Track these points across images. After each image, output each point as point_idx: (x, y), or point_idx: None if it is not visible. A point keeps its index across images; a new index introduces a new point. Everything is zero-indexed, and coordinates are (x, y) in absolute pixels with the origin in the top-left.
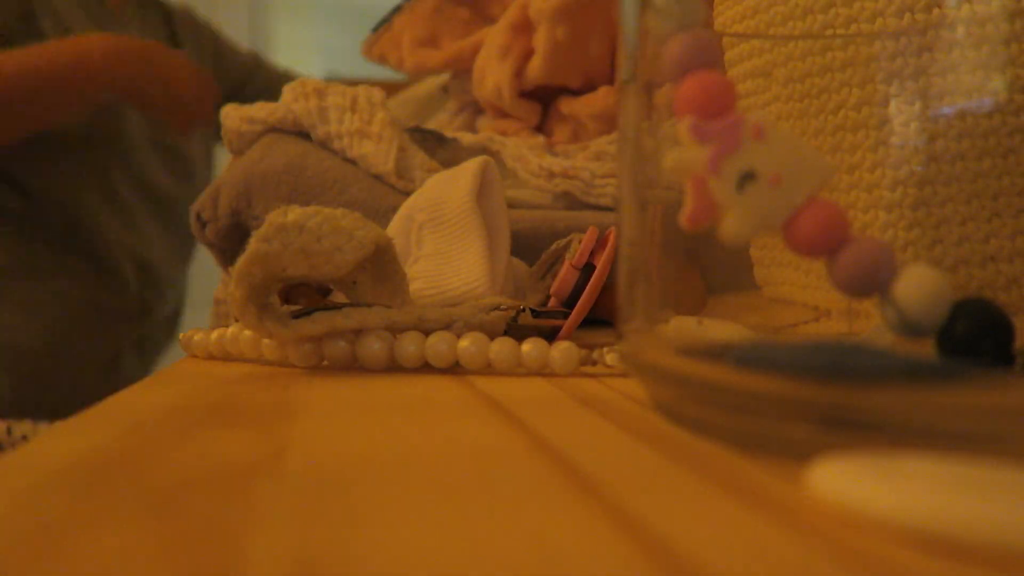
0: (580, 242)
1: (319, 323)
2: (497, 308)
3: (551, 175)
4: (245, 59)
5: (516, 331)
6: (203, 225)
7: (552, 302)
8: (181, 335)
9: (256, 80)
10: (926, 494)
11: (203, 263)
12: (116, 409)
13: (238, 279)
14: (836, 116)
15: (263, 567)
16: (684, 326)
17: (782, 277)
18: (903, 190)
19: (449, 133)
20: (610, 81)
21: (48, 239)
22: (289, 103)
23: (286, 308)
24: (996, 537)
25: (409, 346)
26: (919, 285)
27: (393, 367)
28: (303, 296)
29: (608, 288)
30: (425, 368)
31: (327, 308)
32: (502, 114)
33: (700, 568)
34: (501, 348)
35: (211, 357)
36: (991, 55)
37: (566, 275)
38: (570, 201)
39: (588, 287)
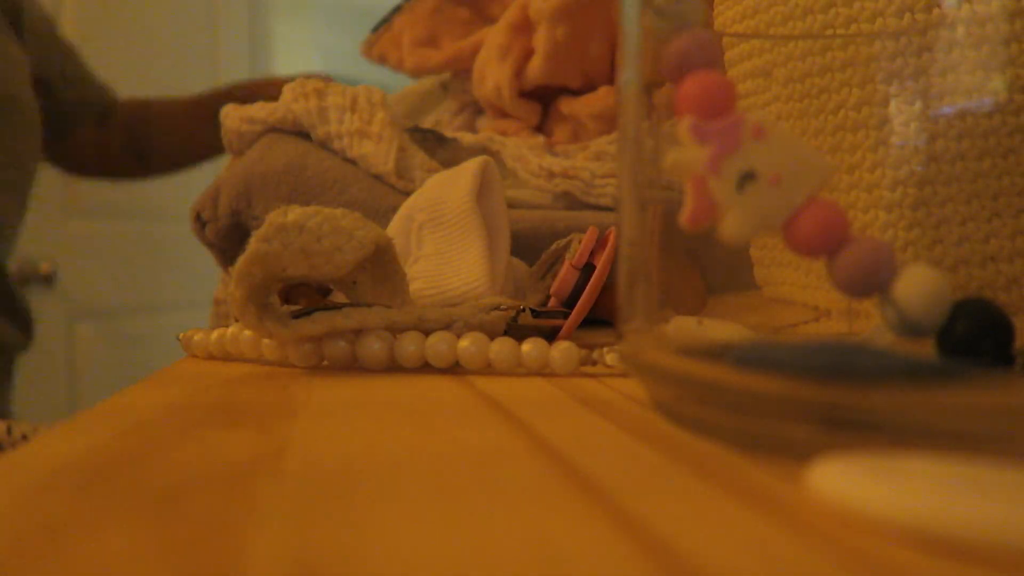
0: (580, 242)
1: (319, 323)
2: (497, 308)
3: (551, 175)
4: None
5: (516, 331)
6: (203, 225)
7: (552, 302)
8: (181, 335)
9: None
10: (926, 494)
11: (203, 263)
12: (116, 409)
13: (238, 279)
14: (836, 116)
15: (263, 567)
16: (684, 326)
17: (782, 277)
18: (903, 190)
19: (449, 133)
20: (610, 81)
21: None
22: (289, 103)
23: (286, 308)
24: (996, 537)
25: (409, 346)
26: (919, 285)
27: (393, 367)
28: (303, 296)
29: (608, 288)
30: (425, 368)
31: (327, 308)
32: (502, 114)
33: (700, 568)
34: (501, 348)
35: (211, 357)
36: (991, 55)
37: (566, 275)
38: (570, 201)
39: (588, 287)
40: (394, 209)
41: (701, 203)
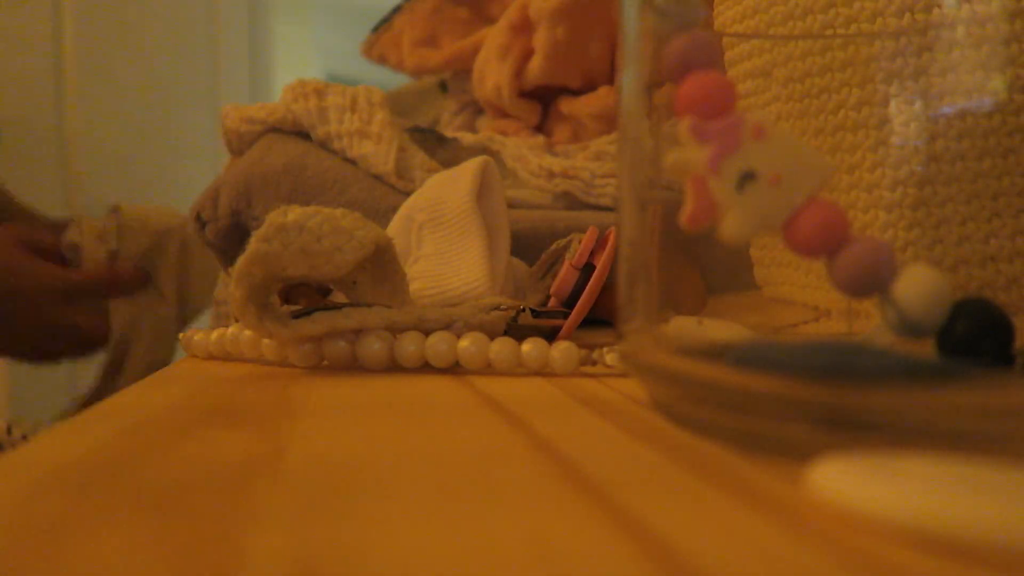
0: (580, 242)
1: (319, 323)
2: (497, 308)
3: (551, 175)
4: None
5: (516, 331)
6: (203, 225)
7: (552, 302)
8: (181, 335)
9: None
10: (926, 494)
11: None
12: (116, 409)
13: (238, 279)
14: (836, 116)
15: (263, 567)
16: (684, 326)
17: (782, 277)
18: (903, 190)
19: (449, 133)
20: (610, 81)
21: None
22: (289, 103)
23: (286, 308)
24: (996, 537)
25: (409, 346)
26: (919, 285)
27: (393, 367)
28: (303, 296)
29: (608, 288)
30: (425, 368)
31: (327, 308)
32: (502, 114)
33: (700, 568)
34: (501, 348)
35: (211, 357)
36: (991, 55)
37: (566, 275)
38: (570, 201)
39: (588, 287)
40: (394, 209)
41: (701, 203)
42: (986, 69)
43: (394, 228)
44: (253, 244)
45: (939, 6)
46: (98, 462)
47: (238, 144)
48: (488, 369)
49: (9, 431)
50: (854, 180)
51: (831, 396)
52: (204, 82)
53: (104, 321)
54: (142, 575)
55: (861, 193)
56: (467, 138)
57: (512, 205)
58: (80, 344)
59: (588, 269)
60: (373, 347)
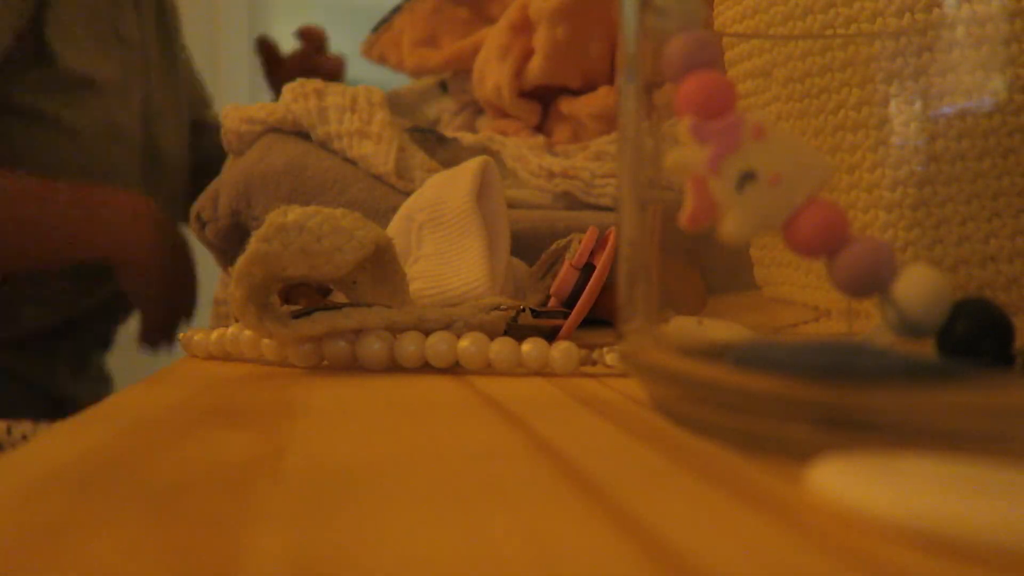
0: (580, 242)
1: (319, 323)
2: (497, 308)
3: (551, 175)
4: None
5: (516, 331)
6: (203, 225)
7: (552, 302)
8: (181, 335)
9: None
10: (926, 494)
11: (203, 263)
12: (116, 409)
13: (238, 279)
14: (836, 116)
15: (262, 567)
16: (684, 326)
17: (782, 277)
18: (903, 190)
19: (449, 133)
20: (610, 81)
21: None
22: (289, 103)
23: (286, 308)
24: (996, 537)
25: (409, 346)
26: (919, 285)
27: (393, 367)
28: (303, 296)
29: (608, 288)
30: (425, 368)
31: (327, 308)
32: (502, 114)
33: (700, 568)
34: (501, 348)
35: (211, 357)
36: (991, 55)
37: (566, 275)
38: (570, 201)
39: (588, 287)
40: (394, 209)
41: (701, 203)
42: (986, 69)
43: (394, 228)
44: (253, 244)
45: (939, 6)
46: (98, 462)
47: (238, 144)
48: (488, 369)
49: (9, 431)
50: (854, 180)
51: (831, 396)
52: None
53: None
54: (142, 575)
55: (861, 193)
56: (467, 138)
57: (512, 205)
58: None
59: (588, 269)
60: (373, 347)
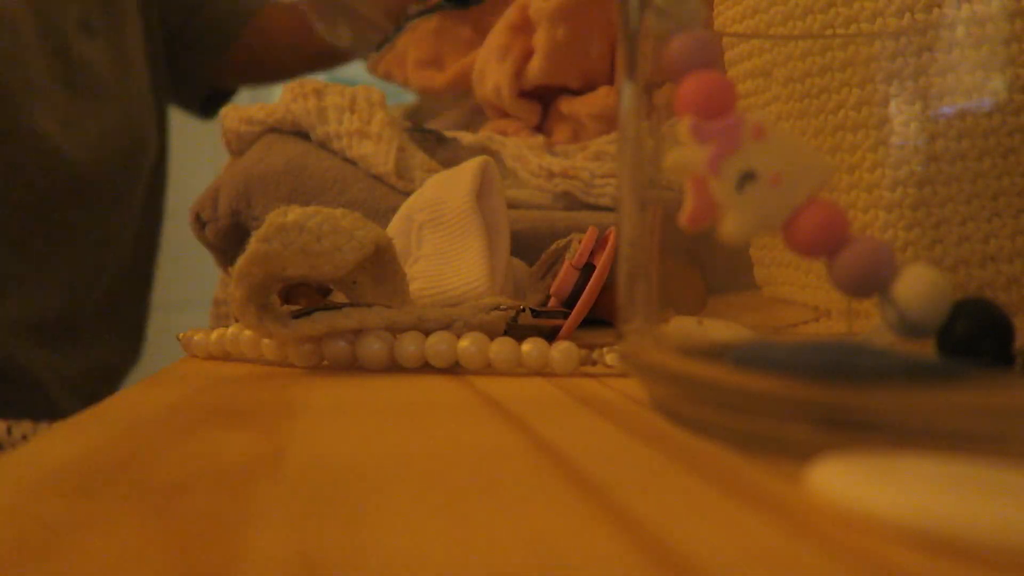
0: (580, 242)
1: (319, 323)
2: (497, 308)
3: (551, 175)
4: None
5: (516, 331)
6: (203, 225)
7: (552, 302)
8: (181, 335)
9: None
10: (926, 494)
11: (203, 263)
12: (116, 409)
13: (238, 279)
14: (836, 116)
15: (263, 567)
16: (684, 326)
17: (782, 277)
18: (903, 190)
19: (449, 133)
20: (610, 81)
21: None
22: (288, 103)
23: (286, 308)
24: (996, 537)
25: (409, 346)
26: (919, 285)
27: (393, 367)
28: (303, 296)
29: (608, 288)
30: (425, 368)
31: (327, 308)
32: (502, 114)
33: (700, 568)
34: (501, 348)
35: (211, 357)
36: (991, 55)
37: (566, 275)
38: (570, 201)
39: (588, 287)
40: (394, 209)
41: (701, 203)
42: (986, 69)
43: (394, 228)
44: (253, 244)
45: (939, 6)
46: (98, 462)
47: (238, 144)
48: (488, 369)
49: (9, 431)
50: (854, 180)
51: (831, 396)
52: None
53: None
54: (142, 574)
55: (861, 193)
56: (467, 138)
57: (512, 205)
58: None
59: (588, 269)
60: (373, 347)
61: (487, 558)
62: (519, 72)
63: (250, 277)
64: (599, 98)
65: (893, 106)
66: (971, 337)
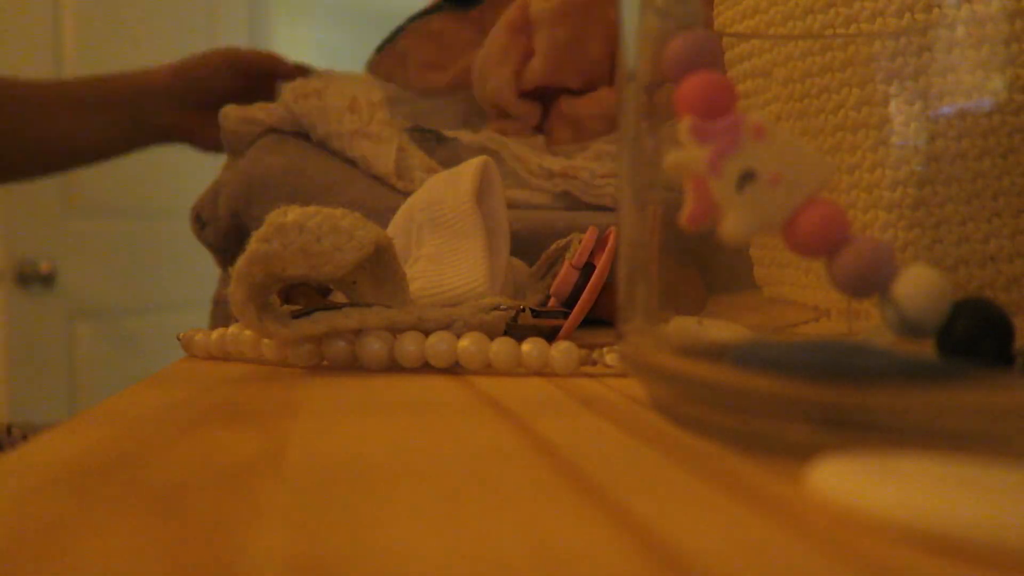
0: (580, 242)
1: (319, 323)
2: (497, 308)
3: (551, 175)
4: None
5: (516, 331)
6: (203, 225)
7: (552, 302)
8: (181, 335)
9: None
10: (926, 494)
11: (203, 263)
12: (116, 409)
13: (238, 279)
14: (836, 116)
15: (263, 566)
16: (684, 326)
17: (782, 277)
18: (903, 190)
19: (449, 132)
20: (610, 82)
21: None
22: (288, 103)
23: (286, 308)
24: (996, 537)
25: (409, 346)
26: (919, 285)
27: (393, 367)
28: (303, 296)
29: (608, 288)
30: (425, 368)
31: (327, 308)
32: (502, 114)
33: (700, 568)
34: (501, 348)
35: (211, 357)
36: (991, 55)
37: (566, 275)
38: (570, 201)
39: (588, 287)
40: (394, 209)
41: (701, 203)
42: (986, 69)
43: (394, 228)
44: (253, 244)
45: (939, 6)
46: (98, 462)
47: (238, 144)
48: (488, 369)
49: (9, 431)
50: (854, 180)
51: (831, 396)
52: None
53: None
54: (142, 574)
55: (861, 193)
56: (467, 138)
57: (512, 205)
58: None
59: (588, 269)
60: (373, 347)
61: (487, 557)
62: (519, 73)
63: (250, 277)
64: (599, 99)
65: (893, 106)
66: (971, 337)
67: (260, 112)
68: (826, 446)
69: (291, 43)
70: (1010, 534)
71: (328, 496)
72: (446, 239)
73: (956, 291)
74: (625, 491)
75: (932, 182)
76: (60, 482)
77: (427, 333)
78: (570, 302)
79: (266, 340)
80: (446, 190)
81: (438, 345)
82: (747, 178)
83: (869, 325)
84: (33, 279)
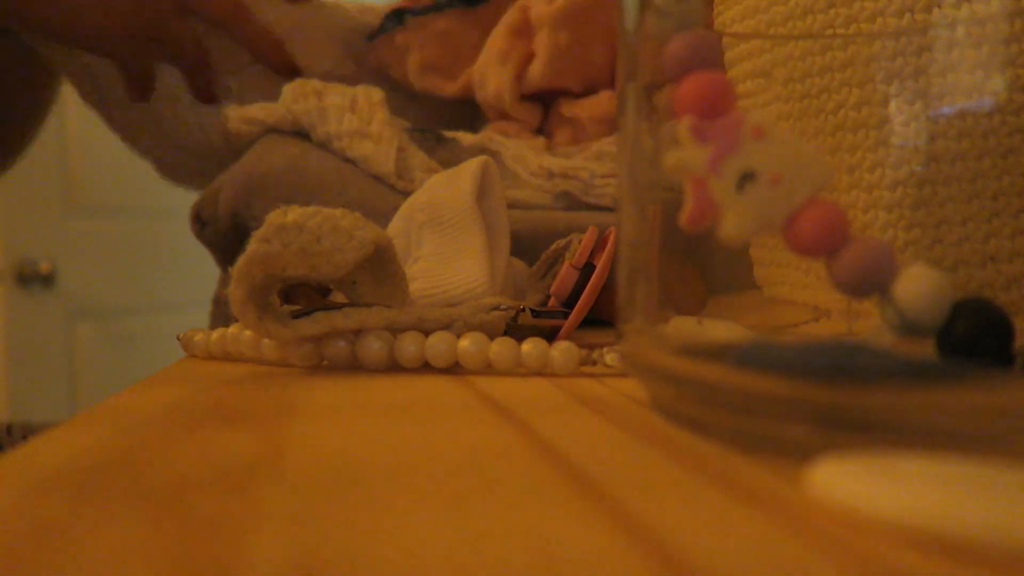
0: (580, 242)
1: (319, 323)
2: (497, 308)
3: (551, 175)
4: None
5: (516, 331)
6: (203, 225)
7: (552, 302)
8: (181, 335)
9: None
10: (926, 494)
11: (203, 263)
12: (116, 409)
13: (238, 279)
14: (836, 116)
15: (263, 567)
16: (684, 326)
17: (782, 277)
18: (903, 190)
19: (449, 132)
20: (611, 85)
21: None
22: (288, 103)
23: (286, 308)
24: (996, 537)
25: (409, 346)
26: (919, 285)
27: (393, 367)
28: (303, 296)
29: (608, 288)
30: (425, 368)
31: (327, 308)
32: (503, 116)
33: (700, 568)
34: (501, 348)
35: (211, 357)
36: (991, 55)
37: (566, 275)
38: (570, 201)
39: (588, 287)
40: (394, 209)
41: (701, 203)
42: (986, 69)
43: (394, 228)
44: (253, 244)
45: (939, 6)
46: (98, 462)
47: (237, 144)
48: (488, 369)
49: (9, 431)
50: (854, 180)
51: (831, 396)
52: None
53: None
54: (142, 574)
55: (861, 193)
56: (467, 138)
57: (512, 205)
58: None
59: (588, 269)
60: (373, 347)
61: (487, 558)
62: (520, 76)
63: (250, 277)
64: (600, 101)
65: (893, 106)
66: (971, 337)
67: (260, 112)
68: (826, 446)
69: None
70: (1010, 534)
71: (328, 496)
72: (446, 239)
73: (956, 291)
74: (625, 491)
75: (932, 182)
76: (60, 482)
77: (427, 333)
78: (570, 302)
79: (266, 340)
80: (446, 190)
81: (438, 345)
82: (747, 178)
83: (869, 325)
84: (33, 279)
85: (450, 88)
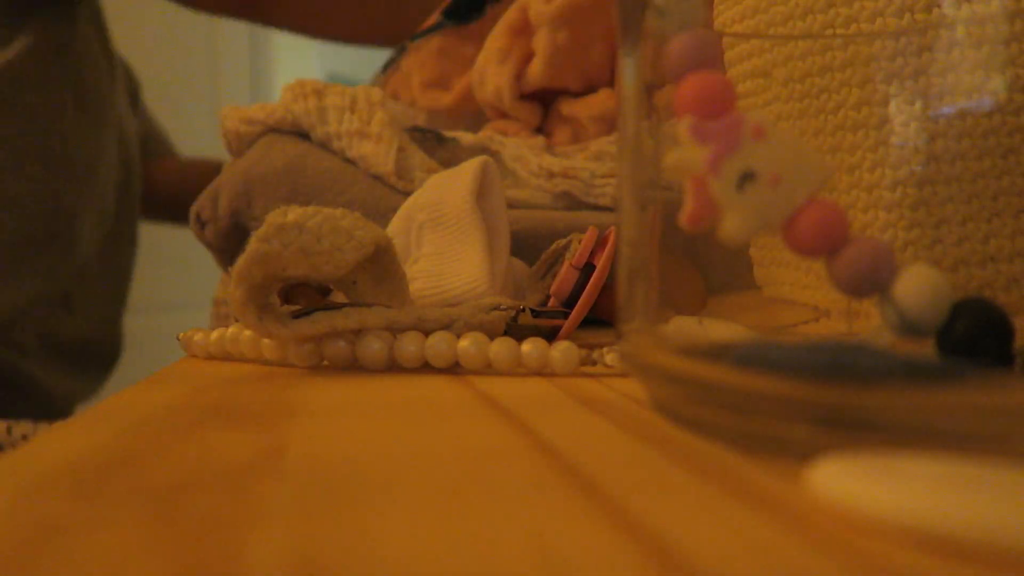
0: (580, 242)
1: (319, 323)
2: (497, 308)
3: (551, 175)
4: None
5: (516, 331)
6: (203, 225)
7: (552, 302)
8: (181, 335)
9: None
10: (926, 494)
11: (203, 263)
12: (116, 409)
13: (238, 279)
14: (836, 116)
15: (263, 567)
16: (684, 326)
17: (782, 277)
18: (903, 190)
19: (449, 132)
20: (611, 84)
21: None
22: (288, 103)
23: (286, 308)
24: (996, 537)
25: (409, 346)
26: (919, 285)
27: (393, 367)
28: (303, 296)
29: (608, 288)
30: (425, 368)
31: (327, 308)
32: (502, 115)
33: (700, 568)
34: (501, 348)
35: (211, 357)
36: (991, 55)
37: (566, 275)
38: (570, 201)
39: (588, 287)
40: (394, 209)
41: (701, 203)
42: (986, 69)
43: (394, 228)
44: (253, 244)
45: (939, 6)
46: (98, 462)
47: (237, 145)
48: (488, 369)
49: (9, 431)
50: (854, 180)
51: (831, 396)
52: (204, 80)
53: None
54: (142, 574)
55: (861, 193)
56: (466, 138)
57: (512, 205)
58: None
59: (588, 269)
60: (373, 347)
61: (487, 558)
62: (519, 75)
63: (250, 277)
64: (599, 100)
65: (893, 106)
66: (971, 337)
67: (260, 112)
68: (827, 446)
69: (291, 43)
70: (1010, 534)
71: (328, 496)
72: (446, 239)
73: (956, 291)
74: (625, 491)
75: (932, 182)
76: (60, 482)
77: (427, 333)
78: (570, 302)
79: (266, 340)
80: (446, 190)
81: (438, 345)
82: (747, 178)
83: (869, 325)
84: None
85: (447, 99)
